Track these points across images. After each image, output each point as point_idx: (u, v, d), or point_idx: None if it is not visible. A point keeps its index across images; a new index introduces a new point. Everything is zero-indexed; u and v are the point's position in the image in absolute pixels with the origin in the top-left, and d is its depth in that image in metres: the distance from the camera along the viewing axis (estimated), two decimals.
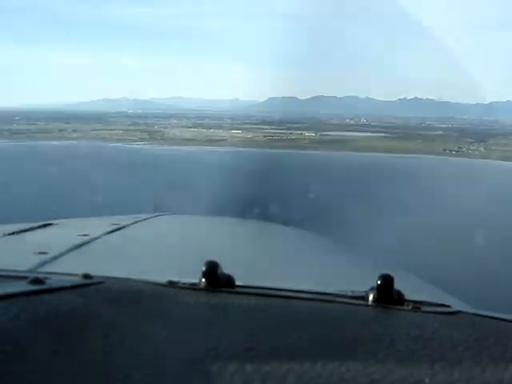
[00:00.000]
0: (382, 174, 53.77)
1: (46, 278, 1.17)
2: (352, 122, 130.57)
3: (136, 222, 3.16)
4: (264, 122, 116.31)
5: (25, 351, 0.82)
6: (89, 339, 0.91)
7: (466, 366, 0.89)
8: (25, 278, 1.16)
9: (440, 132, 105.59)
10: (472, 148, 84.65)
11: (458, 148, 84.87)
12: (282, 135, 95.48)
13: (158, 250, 2.50)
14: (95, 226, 2.94)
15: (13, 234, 2.52)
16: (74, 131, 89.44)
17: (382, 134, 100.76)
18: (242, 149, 76.64)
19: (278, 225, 4.38)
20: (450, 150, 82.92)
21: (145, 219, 3.40)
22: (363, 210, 28.76)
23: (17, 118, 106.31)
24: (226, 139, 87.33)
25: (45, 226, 2.87)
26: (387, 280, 1.23)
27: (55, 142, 76.65)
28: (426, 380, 0.82)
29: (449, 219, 30.33)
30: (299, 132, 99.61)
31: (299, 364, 0.86)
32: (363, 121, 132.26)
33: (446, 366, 0.87)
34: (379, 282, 1.22)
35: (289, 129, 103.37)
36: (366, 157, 72.47)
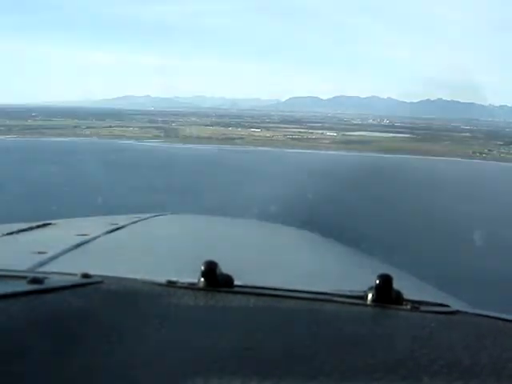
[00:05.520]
0: (425, 180, 50.25)
1: (45, 278, 1.18)
2: (375, 122, 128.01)
3: (135, 222, 3.12)
4: (284, 121, 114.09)
5: (24, 350, 0.82)
6: (88, 338, 0.91)
7: (464, 365, 0.89)
8: (24, 277, 1.18)
9: (467, 134, 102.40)
10: (503, 151, 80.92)
11: (488, 151, 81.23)
12: (302, 134, 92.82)
13: (156, 250, 2.46)
14: (94, 225, 2.94)
15: (12, 233, 2.52)
16: (88, 128, 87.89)
17: (407, 135, 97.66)
18: (258, 148, 74.26)
19: (277, 224, 4.24)
20: (480, 153, 79.32)
21: (143, 219, 3.35)
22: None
23: (33, 114, 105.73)
24: (243, 138, 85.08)
25: (44, 225, 2.86)
26: (386, 280, 1.23)
27: (62, 139, 75.63)
28: (425, 379, 0.83)
29: None
30: (320, 131, 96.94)
31: (298, 363, 0.86)
32: (386, 121, 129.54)
33: (444, 366, 0.88)
34: (378, 282, 1.23)
35: (310, 128, 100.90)
36: (396, 159, 69.34)
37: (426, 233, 28.14)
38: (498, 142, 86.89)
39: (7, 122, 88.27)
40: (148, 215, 3.61)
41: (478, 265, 22.18)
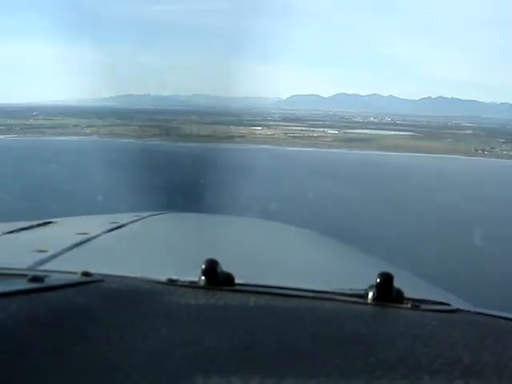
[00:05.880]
0: (429, 178, 49.68)
1: (46, 276, 1.18)
2: (376, 120, 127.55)
3: (135, 221, 3.12)
4: (285, 119, 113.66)
5: (24, 349, 0.82)
6: (88, 337, 0.91)
7: (465, 364, 0.89)
8: (24, 275, 1.18)
9: (469, 131, 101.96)
10: (505, 148, 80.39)
11: (491, 148, 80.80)
12: (303, 132, 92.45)
13: (157, 248, 2.46)
14: (95, 224, 2.98)
15: (12, 231, 2.53)
16: (89, 127, 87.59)
17: (409, 133, 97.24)
18: (258, 146, 73.93)
19: (278, 223, 4.27)
20: (483, 151, 78.89)
21: (144, 217, 3.35)
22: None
23: (34, 113, 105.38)
24: (244, 136, 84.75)
25: (44, 224, 2.86)
26: (387, 278, 1.23)
27: (62, 138, 75.70)
28: (426, 378, 0.83)
29: None
30: (322, 129, 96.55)
31: (299, 362, 0.86)
32: (387, 119, 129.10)
33: (445, 364, 0.88)
34: (379, 280, 1.23)
35: (311, 126, 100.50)
36: (398, 157, 68.83)
37: (432, 231, 27.90)
38: (500, 140, 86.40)
39: (8, 122, 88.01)
40: (148, 213, 3.58)
41: (482, 263, 21.95)
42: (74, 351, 0.85)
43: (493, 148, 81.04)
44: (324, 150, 75.89)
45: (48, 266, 1.67)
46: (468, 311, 1.33)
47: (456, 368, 0.87)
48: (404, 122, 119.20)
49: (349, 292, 1.31)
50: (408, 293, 1.28)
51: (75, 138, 76.81)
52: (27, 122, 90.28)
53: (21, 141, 72.23)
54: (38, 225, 2.80)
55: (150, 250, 2.39)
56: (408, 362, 0.88)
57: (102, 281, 1.25)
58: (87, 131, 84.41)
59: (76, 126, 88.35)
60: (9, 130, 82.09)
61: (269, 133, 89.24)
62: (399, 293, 1.25)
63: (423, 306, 1.25)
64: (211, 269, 1.25)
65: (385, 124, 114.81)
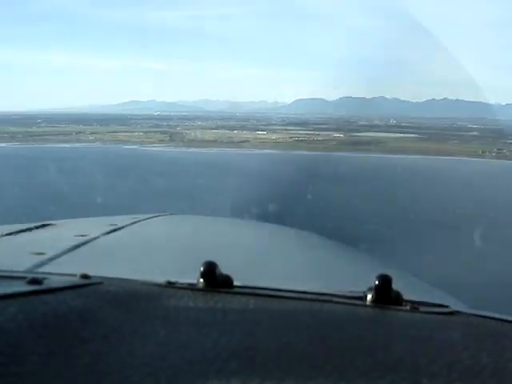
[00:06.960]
0: (443, 180, 48.97)
1: (44, 279, 1.18)
2: (381, 123, 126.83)
3: (134, 223, 3.13)
4: (290, 123, 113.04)
5: (22, 352, 0.82)
6: (87, 340, 0.91)
7: (464, 366, 0.89)
8: (23, 278, 1.17)
9: (474, 133, 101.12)
10: None
11: (498, 150, 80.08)
12: (308, 136, 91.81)
13: (156, 251, 2.48)
14: (93, 226, 2.98)
15: (11, 234, 2.53)
16: (92, 133, 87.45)
17: (415, 135, 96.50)
18: (262, 151, 73.35)
19: (277, 225, 4.25)
20: (490, 152, 78.19)
21: (143, 220, 3.35)
22: None
23: (38, 120, 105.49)
24: (249, 141, 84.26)
25: (43, 226, 2.86)
26: (385, 280, 1.23)
27: (65, 145, 75.72)
28: (425, 380, 0.82)
29: None
30: (327, 133, 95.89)
31: (298, 364, 0.86)
32: (392, 122, 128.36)
33: (444, 366, 0.88)
34: (377, 283, 1.23)
35: (316, 130, 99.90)
36: (407, 160, 68.10)
37: (443, 233, 27.37)
38: (507, 141, 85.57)
39: (11, 129, 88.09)
40: (147, 216, 3.57)
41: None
42: (72, 354, 0.85)
43: (500, 149, 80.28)
44: (330, 153, 75.16)
45: (46, 269, 1.66)
46: (466, 313, 1.33)
47: (454, 370, 0.86)
48: (409, 125, 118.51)
49: (347, 294, 1.30)
50: (407, 295, 1.27)
51: (78, 144, 76.62)
52: (30, 130, 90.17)
53: (19, 148, 72.16)
54: (37, 227, 2.76)
55: (149, 252, 2.36)
56: (407, 364, 0.88)
57: (100, 283, 1.24)
58: (90, 138, 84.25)
59: (79, 132, 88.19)
60: (11, 137, 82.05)
61: (273, 137, 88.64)
62: (398, 295, 1.25)
63: (422, 308, 1.25)
64: (210, 271, 1.25)
65: (390, 126, 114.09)
